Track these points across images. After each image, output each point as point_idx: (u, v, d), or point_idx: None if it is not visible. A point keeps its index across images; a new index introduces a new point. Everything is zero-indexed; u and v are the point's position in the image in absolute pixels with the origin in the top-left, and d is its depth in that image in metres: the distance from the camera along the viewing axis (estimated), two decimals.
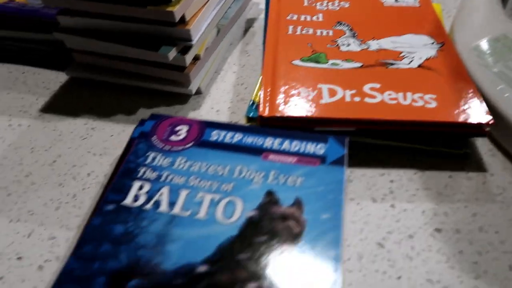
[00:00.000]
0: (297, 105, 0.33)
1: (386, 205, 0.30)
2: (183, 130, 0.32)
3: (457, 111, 0.31)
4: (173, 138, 0.32)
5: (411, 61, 0.37)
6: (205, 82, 0.41)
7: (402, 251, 0.27)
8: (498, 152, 0.33)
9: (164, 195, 0.28)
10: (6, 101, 0.42)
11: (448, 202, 0.30)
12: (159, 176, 0.29)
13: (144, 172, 0.29)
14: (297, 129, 0.32)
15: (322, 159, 0.29)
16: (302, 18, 0.44)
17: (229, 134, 0.31)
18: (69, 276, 0.25)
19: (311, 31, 0.42)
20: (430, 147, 0.33)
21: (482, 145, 0.34)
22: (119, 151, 0.36)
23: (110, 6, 0.36)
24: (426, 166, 0.33)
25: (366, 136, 0.33)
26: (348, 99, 0.33)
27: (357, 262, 0.27)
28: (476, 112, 0.31)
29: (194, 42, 0.37)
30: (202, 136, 0.31)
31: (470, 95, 0.33)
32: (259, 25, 0.51)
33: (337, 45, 0.40)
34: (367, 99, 0.33)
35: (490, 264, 0.26)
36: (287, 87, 0.35)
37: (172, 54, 0.36)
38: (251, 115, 0.34)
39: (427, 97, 0.33)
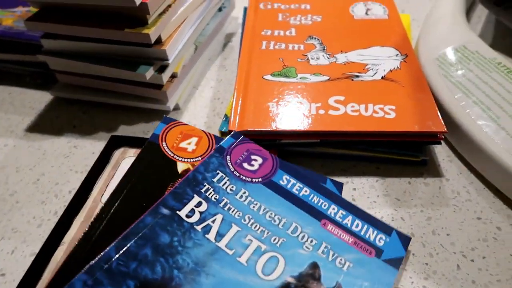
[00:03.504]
0: (265, 119, 0.35)
1: None
2: (257, 162, 0.31)
3: (413, 120, 0.33)
4: (246, 166, 0.31)
5: (375, 73, 0.39)
6: (183, 98, 0.43)
7: None
8: (455, 158, 0.35)
9: (216, 222, 0.27)
10: None
11: (406, 207, 0.32)
12: (219, 201, 0.28)
13: (207, 190, 0.29)
14: (265, 142, 0.34)
15: (378, 251, 0.27)
16: (276, 33, 0.46)
17: (298, 185, 0.30)
18: (105, 266, 0.24)
19: (283, 46, 0.44)
20: (390, 155, 0.34)
21: (441, 151, 0.36)
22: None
23: (89, 29, 0.38)
24: (387, 173, 0.35)
25: (331, 146, 0.35)
26: (313, 111, 0.35)
27: None
28: (431, 121, 0.33)
29: (170, 61, 0.39)
30: (272, 175, 0.30)
31: (427, 105, 0.35)
32: (238, 39, 0.52)
33: (307, 59, 0.42)
34: (331, 112, 0.35)
35: (439, 265, 0.28)
36: (256, 102, 0.37)
37: (150, 73, 0.38)
38: (223, 129, 0.36)
39: (387, 108, 0.35)
